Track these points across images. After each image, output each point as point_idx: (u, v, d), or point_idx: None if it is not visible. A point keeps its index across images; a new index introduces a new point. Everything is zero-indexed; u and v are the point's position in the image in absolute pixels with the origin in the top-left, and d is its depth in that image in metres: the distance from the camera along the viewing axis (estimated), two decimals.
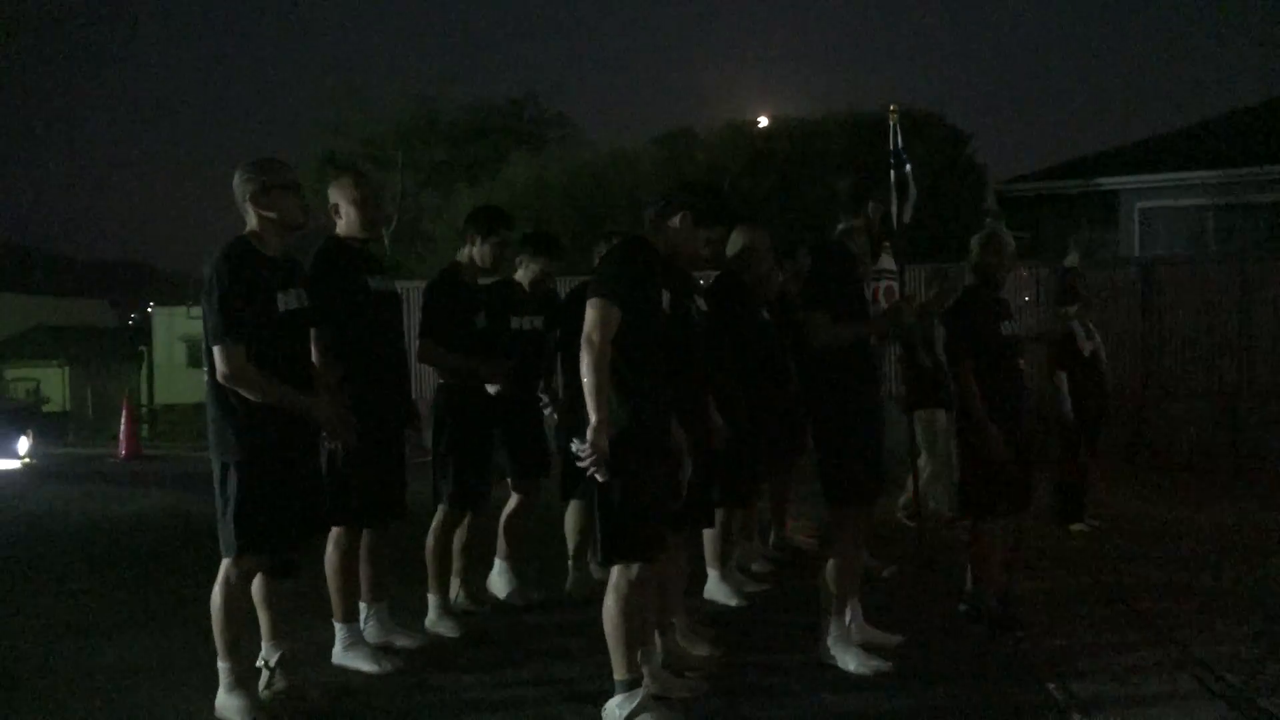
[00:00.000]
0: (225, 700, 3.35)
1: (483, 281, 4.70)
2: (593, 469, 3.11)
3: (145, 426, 18.12)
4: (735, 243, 4.64)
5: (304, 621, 4.08)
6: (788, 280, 5.21)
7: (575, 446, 3.17)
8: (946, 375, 4.81)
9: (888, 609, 4.44)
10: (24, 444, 13.22)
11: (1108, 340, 7.11)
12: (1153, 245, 13.87)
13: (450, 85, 38.24)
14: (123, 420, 14.27)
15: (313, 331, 3.60)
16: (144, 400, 22.05)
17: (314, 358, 3.63)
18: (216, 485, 3.34)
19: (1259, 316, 10.47)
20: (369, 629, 4.12)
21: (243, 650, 3.40)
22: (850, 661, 3.85)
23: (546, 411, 4.94)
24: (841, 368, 3.88)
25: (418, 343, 4.45)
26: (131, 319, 40.11)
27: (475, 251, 4.53)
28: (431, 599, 4.50)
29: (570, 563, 5.13)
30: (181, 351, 24.42)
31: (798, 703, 3.58)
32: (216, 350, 3.23)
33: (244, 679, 3.38)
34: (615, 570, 3.25)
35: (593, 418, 3.09)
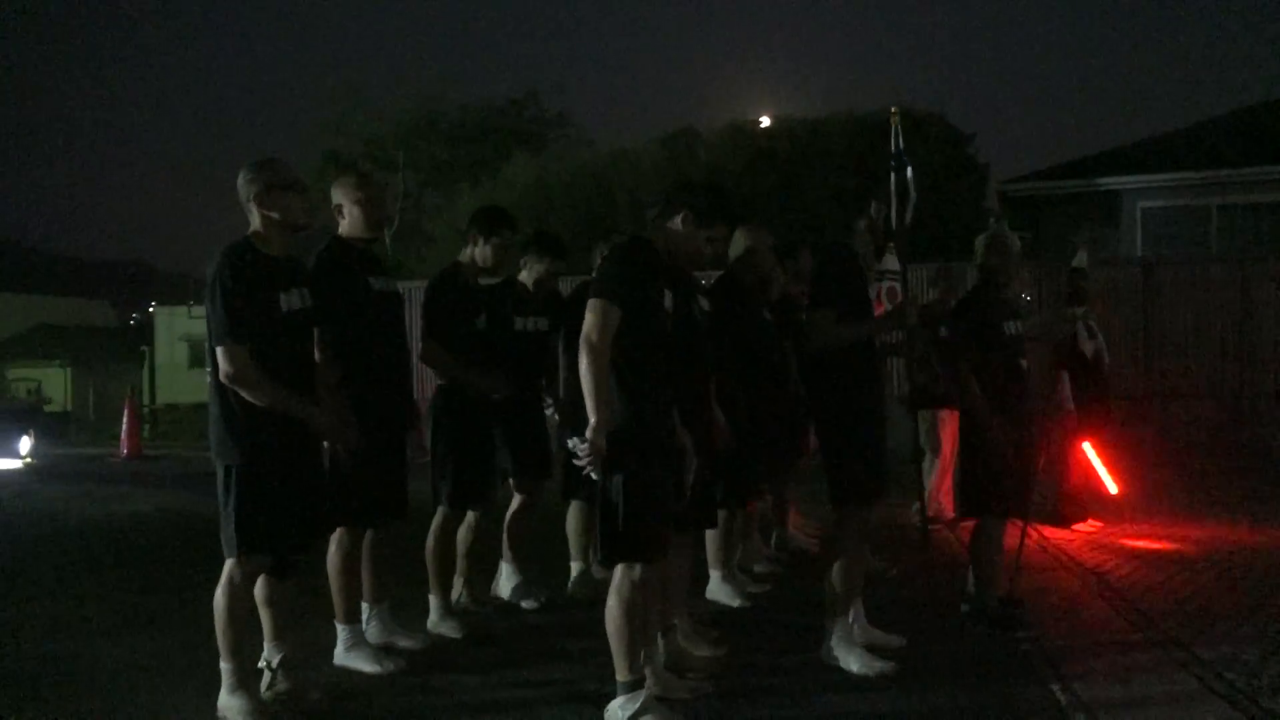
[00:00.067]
0: (227, 701, 3.35)
1: (486, 282, 4.70)
2: (589, 468, 3.12)
3: (146, 426, 18.13)
4: (738, 243, 4.64)
5: (306, 622, 4.09)
6: (788, 280, 5.21)
7: (571, 444, 3.19)
8: (943, 378, 4.81)
9: (890, 610, 4.43)
10: (25, 444, 13.25)
11: (1108, 340, 7.10)
12: (1153, 245, 13.87)
13: (452, 85, 38.35)
14: (124, 420, 14.27)
15: (315, 332, 3.60)
16: (145, 400, 22.04)
17: (317, 358, 3.63)
18: (219, 486, 3.35)
19: (1259, 316, 10.47)
20: (371, 630, 4.12)
21: (245, 651, 3.40)
22: (853, 662, 3.85)
23: (549, 412, 4.94)
24: (844, 368, 3.88)
25: (420, 343, 4.44)
26: (133, 319, 40.07)
27: (477, 252, 4.52)
28: (433, 600, 4.50)
29: (572, 563, 5.13)
30: (183, 351, 24.41)
31: (800, 703, 3.58)
32: (219, 350, 3.23)
33: (246, 680, 3.38)
34: (618, 571, 3.25)
35: (592, 418, 3.10)
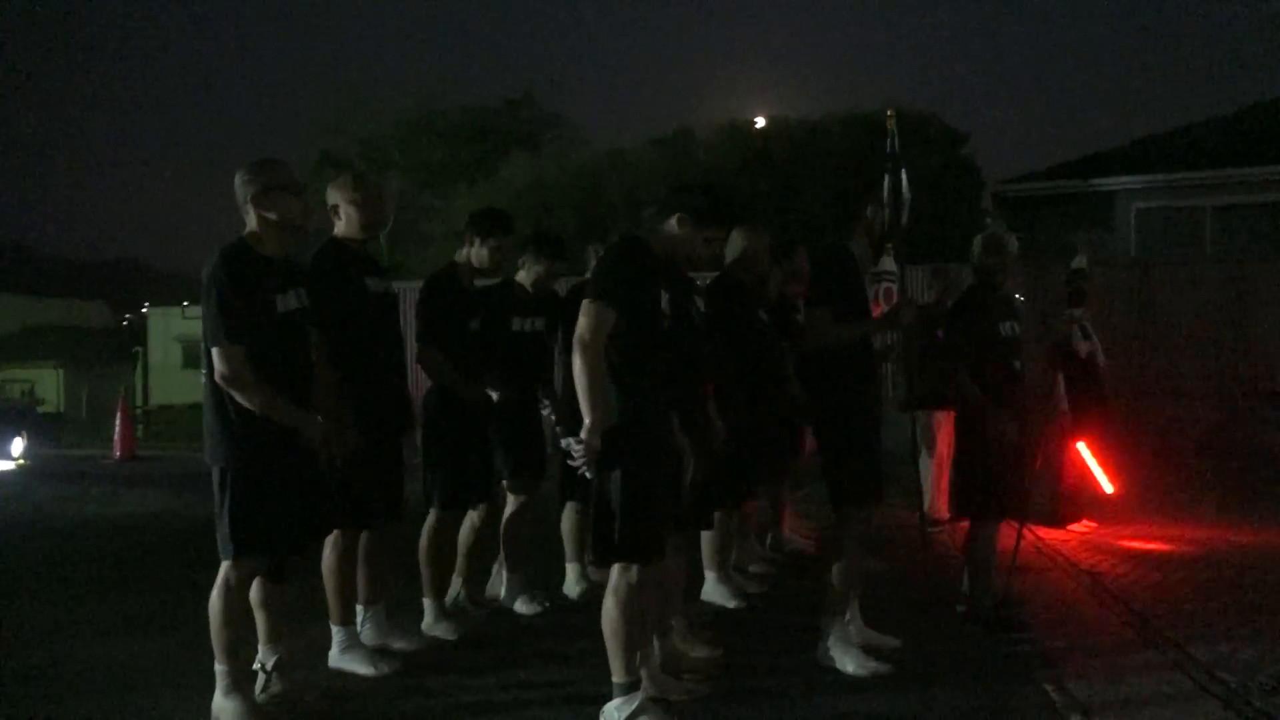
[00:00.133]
0: (222, 703, 3.34)
1: (483, 283, 4.69)
2: (584, 468, 3.12)
3: (140, 427, 18.07)
4: (735, 244, 4.64)
5: (301, 624, 4.07)
6: (784, 280, 5.21)
7: (565, 444, 3.19)
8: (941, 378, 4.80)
9: (886, 610, 4.43)
10: (18, 445, 13.21)
11: (1104, 341, 7.11)
12: (1150, 246, 13.89)
13: (450, 85, 38.34)
14: (117, 421, 14.22)
15: (312, 333, 3.59)
16: (139, 401, 21.98)
17: (313, 358, 3.61)
18: (214, 488, 3.34)
19: (1256, 317, 10.49)
20: (366, 631, 4.11)
21: (240, 653, 3.39)
22: (849, 663, 3.85)
23: (545, 412, 4.93)
24: (843, 369, 3.89)
25: (417, 346, 4.43)
26: (126, 319, 40.01)
27: (473, 253, 4.52)
28: (427, 602, 4.48)
29: (567, 565, 5.12)
30: (177, 352, 24.35)
31: (796, 705, 3.58)
32: (215, 351, 3.22)
33: (241, 682, 3.37)
34: (614, 572, 3.25)
35: (586, 418, 3.10)
